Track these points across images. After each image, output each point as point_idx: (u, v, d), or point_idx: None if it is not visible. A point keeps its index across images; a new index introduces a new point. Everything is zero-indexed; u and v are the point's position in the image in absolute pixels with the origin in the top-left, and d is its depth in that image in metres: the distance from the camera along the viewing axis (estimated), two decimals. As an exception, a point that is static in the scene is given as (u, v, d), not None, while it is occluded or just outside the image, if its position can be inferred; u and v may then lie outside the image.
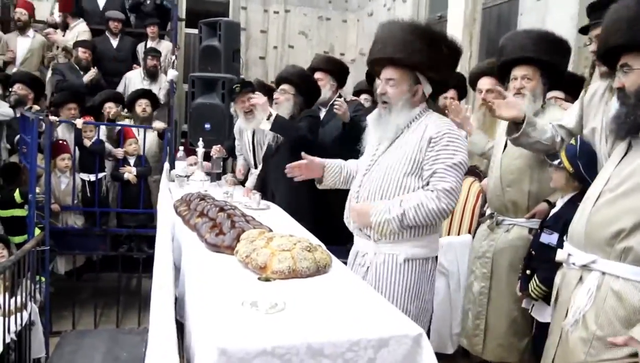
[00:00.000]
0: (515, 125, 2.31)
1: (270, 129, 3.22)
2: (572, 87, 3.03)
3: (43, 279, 4.19)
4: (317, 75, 3.78)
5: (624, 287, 1.59)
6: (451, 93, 3.56)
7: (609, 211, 1.64)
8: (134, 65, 6.20)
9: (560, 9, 3.94)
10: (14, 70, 5.75)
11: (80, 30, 6.10)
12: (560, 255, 1.83)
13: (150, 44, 6.21)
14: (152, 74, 5.86)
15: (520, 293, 2.51)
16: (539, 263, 2.33)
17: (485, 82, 3.28)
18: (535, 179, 2.63)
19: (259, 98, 3.25)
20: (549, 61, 2.55)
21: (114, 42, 6.20)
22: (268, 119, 3.16)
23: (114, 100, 5.31)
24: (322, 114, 3.82)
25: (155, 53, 5.92)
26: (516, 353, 2.69)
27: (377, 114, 2.22)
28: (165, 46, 6.34)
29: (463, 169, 2.08)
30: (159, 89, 5.87)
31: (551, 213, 2.41)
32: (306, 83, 3.57)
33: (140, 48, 6.28)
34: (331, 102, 3.77)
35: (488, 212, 2.92)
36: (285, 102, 3.47)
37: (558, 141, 2.35)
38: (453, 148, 2.05)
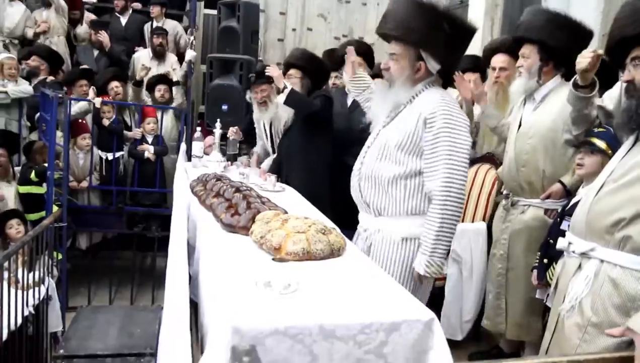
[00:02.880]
0: (582, 87, 2.28)
1: (285, 102, 3.23)
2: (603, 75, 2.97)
3: (60, 255, 4.26)
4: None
5: (620, 274, 1.60)
6: (473, 76, 3.52)
7: (610, 200, 1.65)
8: (136, 48, 6.10)
9: (586, -5, 3.86)
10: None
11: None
12: (561, 243, 1.85)
13: (155, 23, 6.14)
14: (159, 54, 5.76)
15: (537, 282, 2.50)
16: (557, 252, 2.31)
17: (498, 59, 3.26)
18: (550, 158, 2.63)
19: (273, 70, 3.27)
20: (553, 44, 2.54)
21: (123, 21, 6.16)
22: (282, 91, 3.17)
23: (119, 78, 5.26)
24: (350, 99, 3.78)
25: (161, 31, 5.81)
26: (534, 332, 2.70)
27: (381, 88, 2.24)
28: (172, 25, 6.24)
29: (462, 149, 2.03)
30: (172, 69, 5.85)
31: (572, 202, 2.38)
32: (312, 65, 3.56)
33: (147, 28, 6.21)
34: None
35: (504, 192, 2.91)
36: (293, 86, 3.46)
37: (597, 121, 2.34)
38: (449, 129, 2.01)
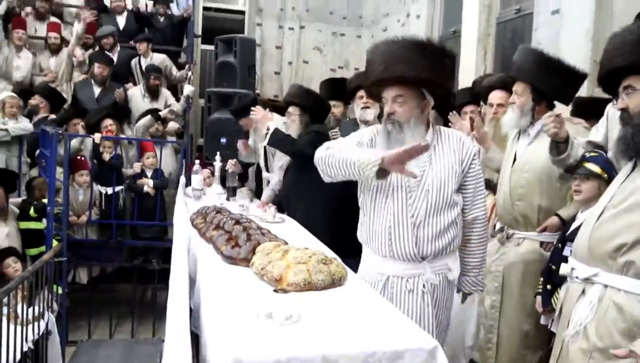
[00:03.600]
0: (556, 145, 2.34)
1: (267, 144, 3.32)
2: (594, 112, 3.02)
3: (60, 290, 4.24)
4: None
5: (625, 299, 1.62)
6: (470, 108, 3.56)
7: (611, 226, 1.67)
8: (125, 83, 6.17)
9: (575, 23, 3.94)
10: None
11: None
12: (564, 269, 1.86)
13: (143, 59, 6.21)
14: (153, 92, 5.85)
15: (542, 309, 2.49)
16: (561, 278, 2.31)
17: (495, 96, 3.31)
18: (545, 192, 2.63)
19: (258, 113, 3.38)
20: (544, 89, 2.58)
21: (114, 57, 6.15)
22: (266, 134, 3.25)
23: (113, 117, 5.28)
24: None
25: (157, 73, 5.90)
26: None
27: (385, 134, 2.13)
28: (160, 59, 6.29)
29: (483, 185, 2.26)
30: (167, 105, 5.89)
31: (573, 227, 2.39)
32: (310, 101, 3.58)
33: (134, 63, 6.29)
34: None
35: (498, 226, 2.92)
36: (292, 124, 3.52)
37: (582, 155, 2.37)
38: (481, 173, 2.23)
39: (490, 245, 2.89)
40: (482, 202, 2.21)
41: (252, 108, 3.54)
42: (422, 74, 2.04)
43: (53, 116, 5.27)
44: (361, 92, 3.56)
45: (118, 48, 6.27)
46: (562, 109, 2.83)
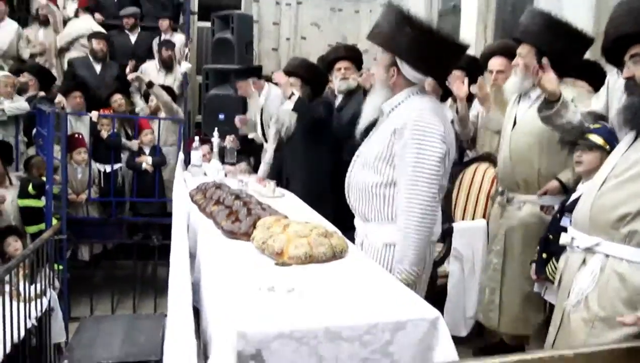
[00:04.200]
0: (548, 103, 2.31)
1: (293, 109, 3.30)
2: (593, 76, 3.00)
3: (61, 267, 4.26)
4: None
5: (627, 269, 1.63)
6: (457, 73, 3.52)
7: (614, 195, 1.67)
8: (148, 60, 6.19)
9: (577, -4, 3.89)
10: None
11: (86, 24, 6.07)
12: (564, 238, 1.87)
13: (164, 37, 6.23)
14: (167, 65, 5.85)
15: (535, 276, 2.51)
16: (559, 247, 2.32)
17: (495, 62, 3.29)
18: (545, 155, 2.64)
19: (280, 77, 3.40)
20: (549, 51, 2.52)
21: (132, 38, 6.22)
22: (290, 98, 3.28)
23: (122, 92, 5.32)
24: (338, 100, 3.81)
25: (168, 44, 5.92)
26: (530, 327, 2.72)
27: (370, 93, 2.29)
28: (178, 38, 6.35)
29: (430, 159, 1.97)
30: (174, 80, 5.90)
31: (572, 198, 2.40)
32: (311, 73, 3.60)
33: (155, 42, 6.27)
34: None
35: (499, 189, 2.92)
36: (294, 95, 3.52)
37: (586, 126, 2.36)
38: (416, 141, 1.98)
39: (494, 209, 2.93)
40: (402, 186, 2.01)
41: (271, 74, 3.57)
42: (377, 38, 2.12)
43: (42, 93, 5.20)
44: (339, 64, 3.68)
45: (138, 29, 6.24)
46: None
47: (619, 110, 1.80)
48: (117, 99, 5.21)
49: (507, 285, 2.79)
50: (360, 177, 2.17)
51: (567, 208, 2.38)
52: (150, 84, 5.03)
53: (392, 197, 2.09)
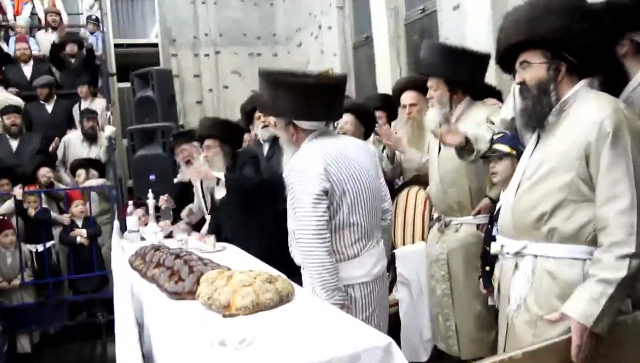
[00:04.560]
0: (459, 151, 2.41)
1: (228, 191, 3.27)
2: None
3: (0, 363, 3.98)
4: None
5: (555, 265, 1.70)
6: (379, 113, 3.66)
7: (529, 198, 1.75)
8: (69, 129, 6.02)
9: (476, 16, 4.15)
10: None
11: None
12: (494, 247, 1.93)
13: (84, 104, 6.09)
14: (90, 136, 5.68)
15: (485, 290, 2.57)
16: (496, 257, 2.40)
17: (407, 96, 3.41)
18: (474, 175, 2.73)
19: (196, 174, 3.41)
20: (456, 79, 2.69)
21: (49, 107, 6.04)
22: (218, 184, 3.26)
23: (48, 165, 5.14)
24: (265, 148, 3.79)
25: (91, 114, 5.76)
26: (486, 347, 2.74)
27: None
28: (99, 103, 6.22)
29: (304, 195, 2.08)
30: (99, 149, 5.73)
31: (497, 207, 2.49)
32: (226, 131, 3.54)
33: (76, 109, 6.13)
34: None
35: (435, 215, 3.00)
36: (214, 156, 3.46)
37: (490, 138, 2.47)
38: (297, 186, 2.12)
39: (431, 234, 2.99)
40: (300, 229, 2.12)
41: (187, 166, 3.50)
42: (269, 108, 2.31)
43: None
44: (258, 113, 3.63)
45: (54, 98, 6.06)
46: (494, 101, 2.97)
47: (516, 115, 1.91)
48: (45, 172, 5.01)
49: (458, 309, 2.82)
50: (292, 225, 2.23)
51: (495, 218, 2.47)
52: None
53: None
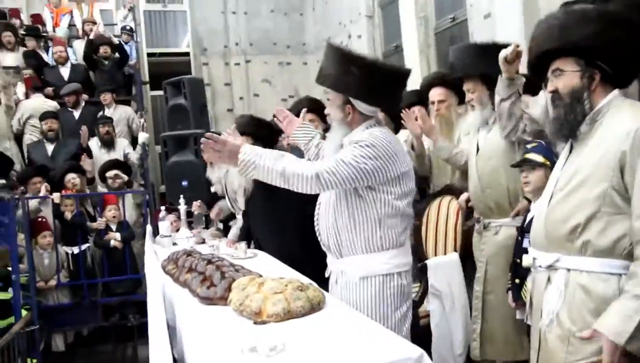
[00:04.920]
0: (509, 81, 2.43)
1: (256, 184, 3.22)
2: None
3: (34, 361, 4.09)
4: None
5: (588, 280, 1.66)
6: (417, 108, 3.65)
7: (562, 209, 1.72)
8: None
9: (507, 24, 4.13)
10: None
11: (36, 103, 6.06)
12: (526, 260, 1.90)
13: (107, 111, 6.22)
14: (106, 142, 5.81)
15: (514, 304, 2.54)
16: (526, 270, 2.37)
17: (435, 93, 3.40)
18: (511, 175, 2.70)
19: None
20: (489, 73, 2.65)
21: (76, 114, 6.19)
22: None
23: (76, 170, 5.27)
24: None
25: (105, 120, 5.89)
26: (519, 351, 2.71)
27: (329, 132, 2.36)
28: (123, 111, 6.33)
29: (352, 161, 2.05)
30: (125, 153, 5.86)
31: (528, 218, 2.47)
32: (261, 129, 3.56)
33: (99, 116, 6.23)
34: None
35: (476, 216, 2.98)
36: None
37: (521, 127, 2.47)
38: (357, 149, 2.08)
39: (474, 237, 2.97)
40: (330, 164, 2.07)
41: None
42: (326, 81, 2.22)
43: (2, 181, 5.12)
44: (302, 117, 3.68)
45: (82, 105, 6.22)
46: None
47: (547, 122, 1.89)
48: (71, 178, 5.13)
49: (490, 312, 2.80)
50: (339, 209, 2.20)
51: (525, 230, 2.44)
52: None
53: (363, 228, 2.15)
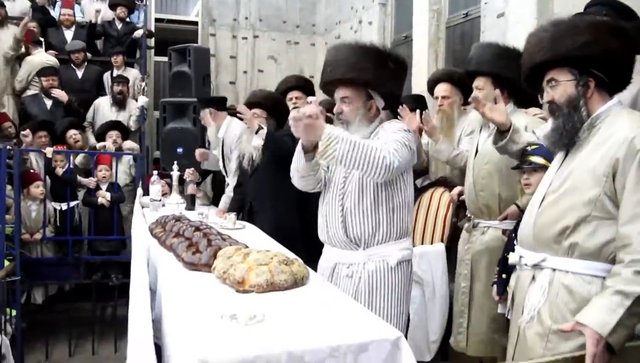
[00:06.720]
0: (500, 133, 2.38)
1: (264, 144, 3.12)
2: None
3: (14, 312, 4.09)
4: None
5: (573, 281, 1.69)
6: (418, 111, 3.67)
7: (553, 211, 1.75)
8: (100, 94, 6.14)
9: (519, 25, 4.10)
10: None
11: (40, 58, 6.00)
12: (512, 258, 1.93)
13: (116, 72, 6.19)
14: (119, 102, 5.81)
15: (498, 297, 2.57)
16: (514, 266, 2.39)
17: (440, 88, 3.44)
18: (505, 182, 2.76)
19: (245, 110, 3.19)
20: (507, 75, 2.69)
21: (79, 73, 6.14)
22: (257, 132, 3.10)
23: (77, 127, 5.28)
24: None
25: (121, 79, 5.89)
26: (498, 349, 2.76)
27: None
28: (132, 74, 6.32)
29: (405, 144, 2.10)
30: (129, 117, 5.84)
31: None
32: (275, 104, 3.59)
33: (107, 76, 6.25)
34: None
35: (468, 215, 3.04)
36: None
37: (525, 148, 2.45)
38: (401, 133, 2.14)
39: (462, 235, 3.02)
40: (392, 144, 2.10)
41: (236, 108, 3.42)
42: (363, 76, 2.17)
43: None
44: (291, 94, 3.78)
45: (85, 64, 6.17)
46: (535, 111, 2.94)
47: (546, 134, 1.90)
48: (72, 134, 5.16)
49: (474, 308, 2.87)
50: (361, 207, 2.21)
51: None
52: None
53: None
